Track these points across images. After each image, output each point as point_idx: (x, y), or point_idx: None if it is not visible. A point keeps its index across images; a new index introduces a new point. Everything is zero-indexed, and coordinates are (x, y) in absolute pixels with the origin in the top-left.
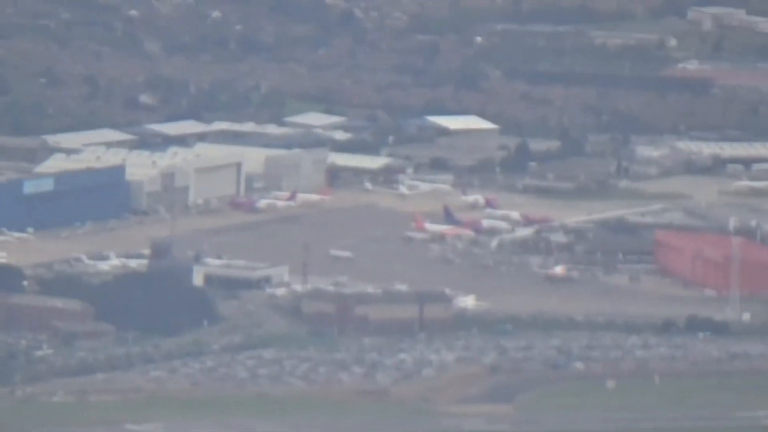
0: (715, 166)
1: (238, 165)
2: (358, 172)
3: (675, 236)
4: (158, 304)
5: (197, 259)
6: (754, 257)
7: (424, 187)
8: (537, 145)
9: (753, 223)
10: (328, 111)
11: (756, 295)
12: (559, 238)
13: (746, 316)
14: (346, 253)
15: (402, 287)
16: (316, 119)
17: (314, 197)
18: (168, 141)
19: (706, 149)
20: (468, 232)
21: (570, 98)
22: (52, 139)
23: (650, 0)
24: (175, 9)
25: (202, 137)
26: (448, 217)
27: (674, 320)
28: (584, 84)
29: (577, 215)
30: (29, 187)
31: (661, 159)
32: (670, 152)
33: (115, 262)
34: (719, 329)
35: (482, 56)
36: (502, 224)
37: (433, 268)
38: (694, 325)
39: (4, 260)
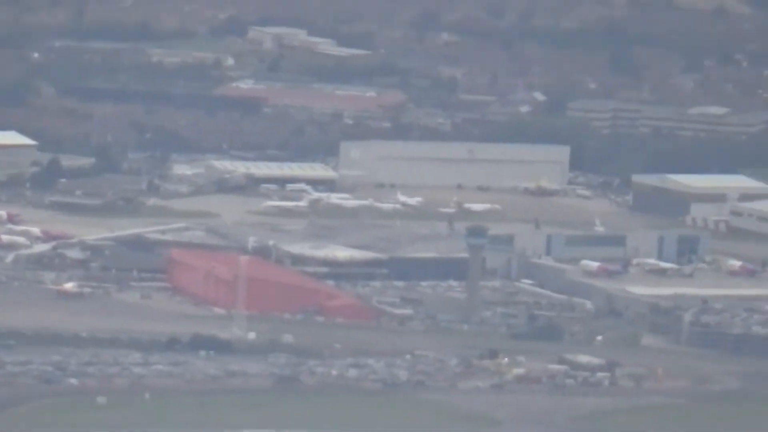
0: (249, 186)
1: None
2: None
3: (189, 255)
4: None
5: None
6: (264, 276)
7: None
8: (72, 161)
9: (270, 243)
10: None
11: (264, 313)
12: (76, 254)
13: (252, 335)
14: None
15: None
16: None
17: None
18: None
19: (242, 168)
20: None
21: (117, 115)
22: None
23: (212, 19)
24: None
25: None
26: None
27: (179, 338)
28: (135, 101)
29: (99, 232)
30: None
31: (194, 177)
32: (205, 171)
33: None
34: (223, 347)
35: (37, 72)
36: (21, 240)
37: None
38: (198, 343)
39: None
